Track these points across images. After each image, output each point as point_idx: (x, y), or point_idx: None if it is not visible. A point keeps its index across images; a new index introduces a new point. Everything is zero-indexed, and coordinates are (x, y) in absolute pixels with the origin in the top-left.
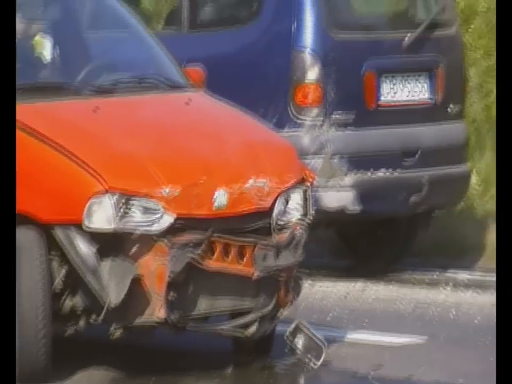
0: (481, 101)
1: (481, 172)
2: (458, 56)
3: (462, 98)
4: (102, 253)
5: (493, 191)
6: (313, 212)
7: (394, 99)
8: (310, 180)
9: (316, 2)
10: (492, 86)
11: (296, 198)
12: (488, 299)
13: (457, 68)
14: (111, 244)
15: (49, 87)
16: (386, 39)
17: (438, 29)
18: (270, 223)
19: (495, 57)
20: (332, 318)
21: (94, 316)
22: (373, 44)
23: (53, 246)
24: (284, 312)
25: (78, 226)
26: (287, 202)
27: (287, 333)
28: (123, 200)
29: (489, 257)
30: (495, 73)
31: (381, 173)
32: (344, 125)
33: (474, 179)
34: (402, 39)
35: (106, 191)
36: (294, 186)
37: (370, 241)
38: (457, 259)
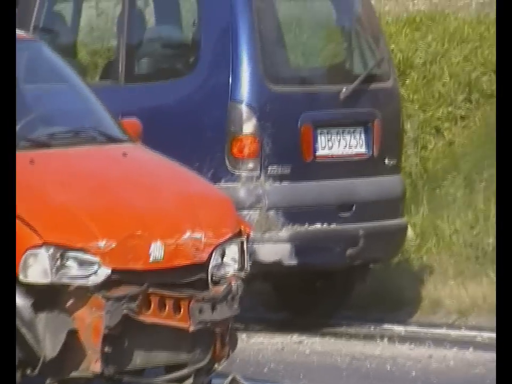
0: (417, 154)
1: (417, 226)
2: (395, 109)
3: (398, 152)
4: (38, 306)
5: (428, 244)
6: (250, 265)
7: (331, 152)
8: (247, 232)
9: (252, 55)
10: (428, 139)
11: (232, 251)
12: (424, 352)
13: (394, 121)
14: (47, 296)
15: None
16: (323, 92)
17: (375, 82)
18: (206, 276)
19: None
20: (268, 371)
21: (30, 368)
22: (310, 97)
23: None
24: (220, 366)
25: None
26: (223, 255)
27: None
28: (59, 253)
29: (425, 310)
30: (430, 127)
31: (317, 226)
32: (280, 178)
33: (410, 232)
34: (339, 92)
35: (42, 244)
36: (230, 239)
37: (307, 294)
38: (393, 312)
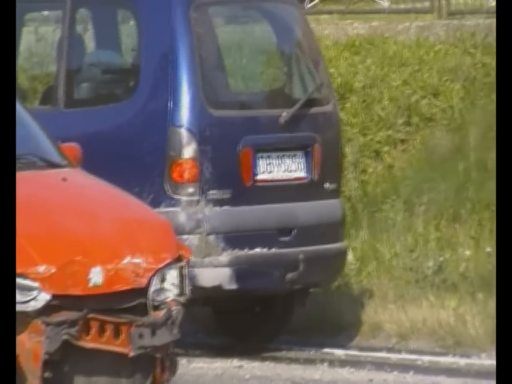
0: (357, 178)
1: (357, 250)
2: (335, 133)
3: (338, 176)
4: None
5: (368, 268)
6: (190, 290)
7: (271, 176)
8: (187, 257)
9: (192, 80)
10: (368, 162)
11: (172, 276)
12: (365, 376)
13: (334, 145)
14: None
15: None
16: (263, 117)
17: (314, 106)
18: (146, 301)
19: (374, 133)
20: None
21: None
22: (250, 121)
23: None
24: None
25: None
26: (163, 280)
27: None
28: None
29: (365, 334)
30: (370, 151)
31: (257, 251)
32: (220, 202)
33: (350, 256)
34: (279, 117)
35: None
36: (170, 264)
37: (247, 318)
38: (333, 336)
